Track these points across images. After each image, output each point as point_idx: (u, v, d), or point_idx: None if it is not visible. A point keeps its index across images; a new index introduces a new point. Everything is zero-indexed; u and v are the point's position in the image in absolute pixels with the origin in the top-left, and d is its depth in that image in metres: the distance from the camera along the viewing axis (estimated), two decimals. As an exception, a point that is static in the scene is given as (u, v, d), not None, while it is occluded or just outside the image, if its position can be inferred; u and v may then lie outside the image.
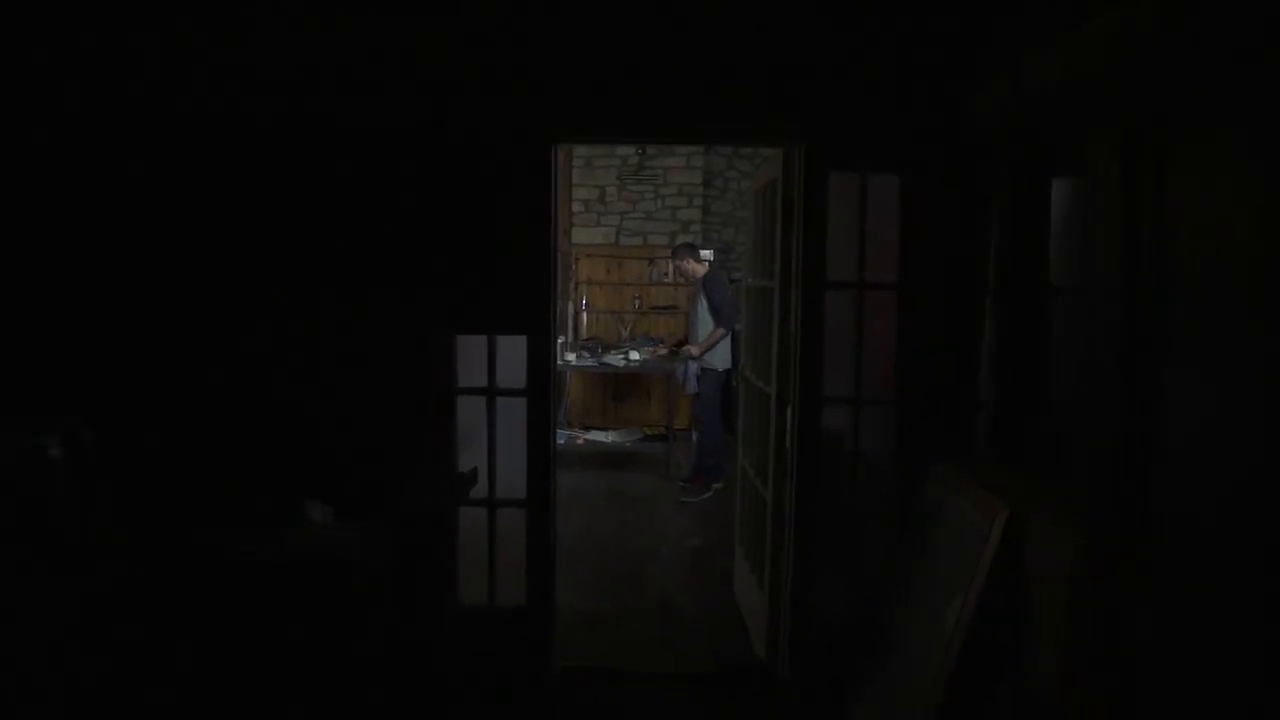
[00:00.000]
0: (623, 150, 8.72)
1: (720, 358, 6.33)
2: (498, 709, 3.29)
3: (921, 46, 3.13)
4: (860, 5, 3.17)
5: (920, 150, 3.17)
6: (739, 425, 4.55)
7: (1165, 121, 1.84)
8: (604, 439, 7.54)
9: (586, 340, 8.08)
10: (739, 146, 8.73)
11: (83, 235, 3.20)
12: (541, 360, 3.32)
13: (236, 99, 3.16)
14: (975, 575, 2.37)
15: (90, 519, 2.80)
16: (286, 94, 3.17)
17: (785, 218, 3.37)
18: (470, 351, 3.33)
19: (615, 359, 7.27)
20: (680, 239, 8.38)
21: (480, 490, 3.41)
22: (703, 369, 6.35)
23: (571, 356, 7.30)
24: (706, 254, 7.41)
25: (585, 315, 8.70)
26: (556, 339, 3.43)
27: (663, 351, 7.47)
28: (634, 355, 7.32)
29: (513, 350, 3.32)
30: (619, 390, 8.49)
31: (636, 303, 8.74)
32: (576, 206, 8.84)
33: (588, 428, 7.98)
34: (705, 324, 6.33)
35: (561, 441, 6.31)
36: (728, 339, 6.26)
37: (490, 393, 3.36)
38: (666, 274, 8.42)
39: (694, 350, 6.37)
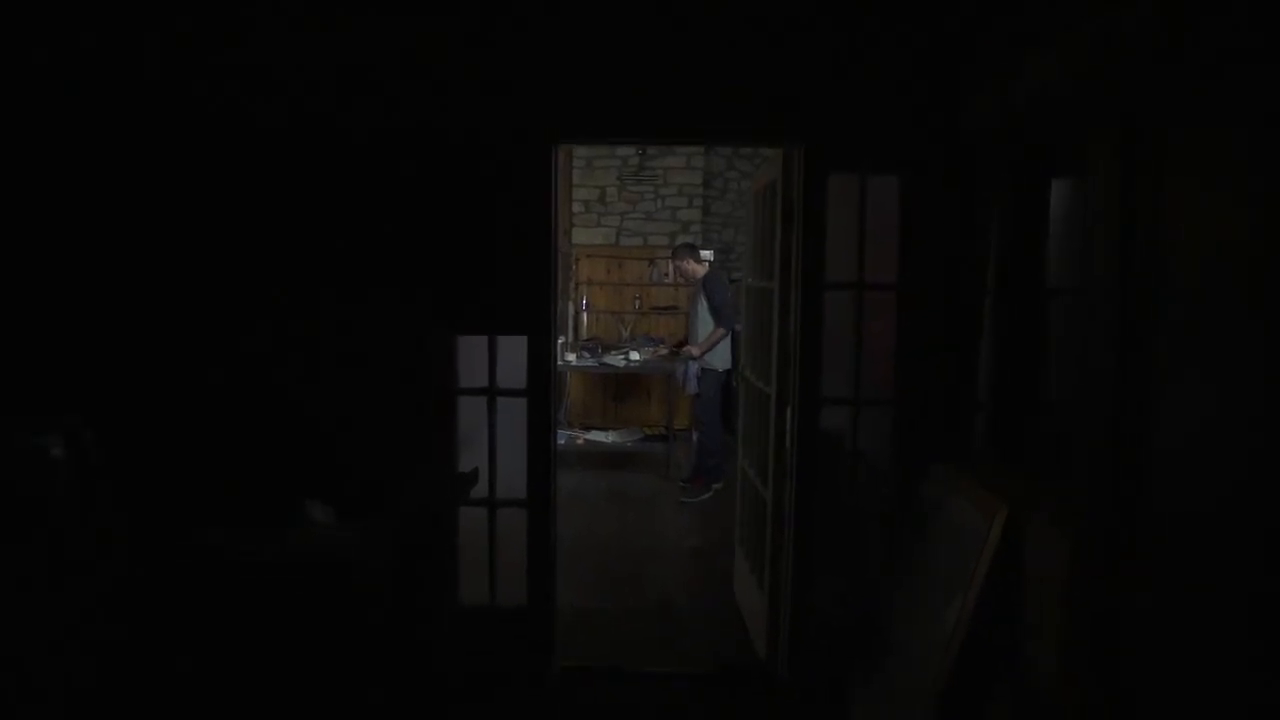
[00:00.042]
0: (623, 151, 8.72)
1: (720, 358, 6.33)
2: (498, 709, 3.29)
3: (921, 47, 3.14)
4: (860, 5, 3.17)
5: (920, 150, 3.17)
6: (739, 425, 4.55)
7: (1165, 121, 1.84)
8: (604, 439, 7.54)
9: (587, 340, 8.08)
10: (739, 147, 8.74)
11: (83, 235, 3.20)
12: (542, 360, 3.32)
13: (236, 99, 3.17)
14: (974, 575, 2.37)
15: (90, 519, 2.80)
16: (286, 94, 3.17)
17: (785, 218, 3.37)
18: (471, 352, 3.33)
19: (615, 359, 7.27)
20: (680, 239, 8.38)
21: (481, 490, 3.41)
22: (703, 369, 6.35)
23: (572, 357, 7.30)
24: (706, 254, 7.42)
25: (585, 315, 8.70)
26: (557, 339, 3.44)
27: (663, 352, 7.48)
28: (634, 355, 7.32)
29: (513, 350, 3.33)
30: (619, 390, 8.49)
31: (637, 303, 8.75)
32: (577, 207, 8.84)
33: (588, 428, 7.98)
34: (705, 324, 6.33)
35: (562, 442, 6.31)
36: (728, 339, 6.26)
37: (491, 393, 3.36)
38: (667, 274, 8.42)
39: (694, 351, 6.37)
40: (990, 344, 2.96)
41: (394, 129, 3.18)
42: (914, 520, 2.94)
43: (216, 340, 3.25)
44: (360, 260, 3.23)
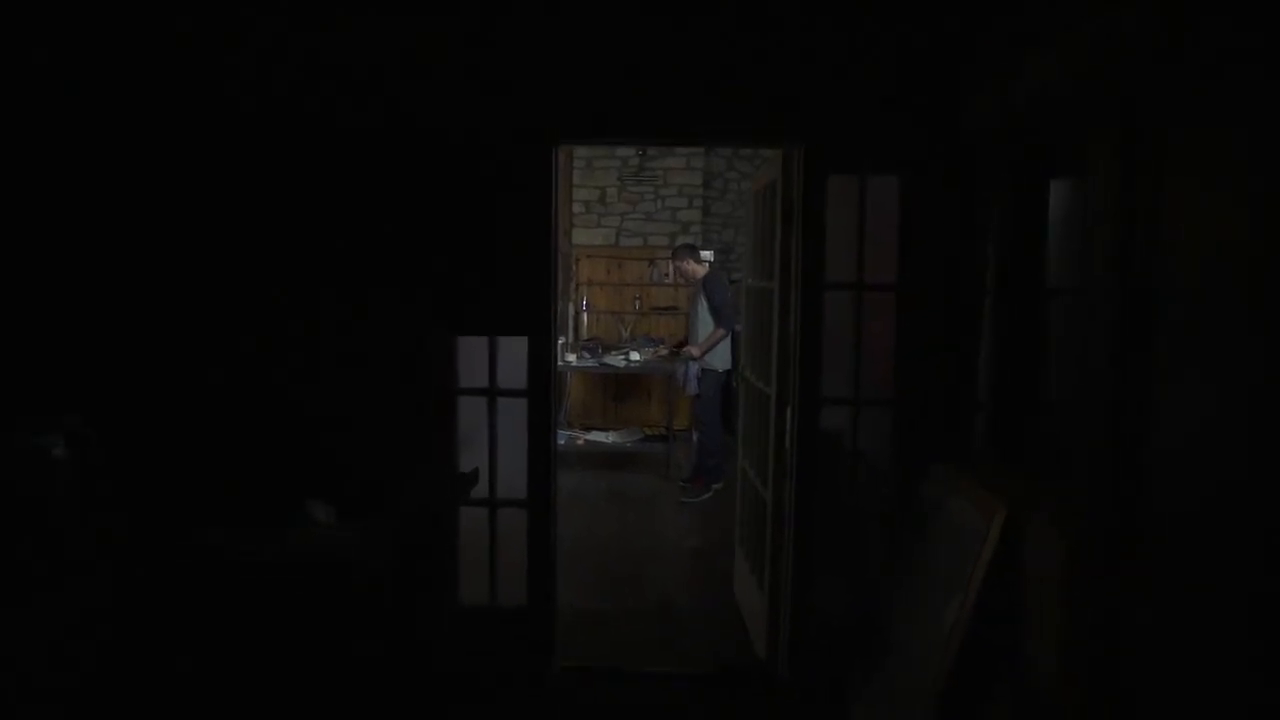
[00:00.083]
0: (623, 151, 8.73)
1: (720, 358, 6.33)
2: (498, 709, 3.29)
3: (921, 47, 3.14)
4: (860, 5, 3.17)
5: (920, 151, 3.17)
6: (739, 426, 4.56)
7: (1165, 121, 1.84)
8: (604, 439, 7.54)
9: (587, 341, 8.08)
10: (739, 147, 8.73)
11: (83, 236, 3.20)
12: (542, 361, 3.32)
13: (236, 99, 3.17)
14: (974, 575, 2.37)
15: (90, 519, 2.80)
16: (286, 94, 3.17)
17: (785, 219, 3.37)
18: (471, 352, 3.34)
19: (616, 360, 7.27)
20: (680, 240, 8.39)
21: (481, 490, 3.41)
22: (703, 370, 6.35)
23: (572, 357, 7.31)
24: (706, 255, 7.42)
25: (586, 316, 8.70)
26: (557, 340, 3.44)
27: (663, 352, 7.48)
28: (634, 356, 7.33)
29: (513, 351, 3.33)
30: (619, 391, 8.50)
31: (637, 303, 8.75)
32: (577, 207, 8.85)
33: (588, 428, 7.98)
34: (705, 325, 6.33)
35: (562, 442, 6.32)
36: (728, 340, 6.27)
37: (491, 393, 3.36)
38: (667, 275, 8.42)
39: (694, 351, 6.38)
40: (990, 344, 2.96)
41: (394, 129, 3.19)
42: (914, 520, 2.94)
43: (217, 340, 3.25)
44: (360, 260, 3.24)
